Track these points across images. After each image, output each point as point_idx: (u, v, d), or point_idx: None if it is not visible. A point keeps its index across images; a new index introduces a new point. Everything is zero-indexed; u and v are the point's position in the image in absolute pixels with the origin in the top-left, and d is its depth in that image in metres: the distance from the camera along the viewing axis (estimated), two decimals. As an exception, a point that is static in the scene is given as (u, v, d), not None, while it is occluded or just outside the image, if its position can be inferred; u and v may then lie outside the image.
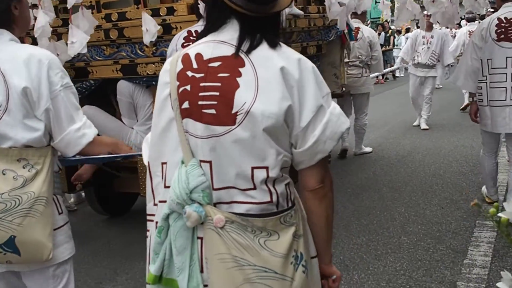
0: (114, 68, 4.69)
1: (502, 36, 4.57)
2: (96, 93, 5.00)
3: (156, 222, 1.71)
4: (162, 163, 1.72)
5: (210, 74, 1.63)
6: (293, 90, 1.60)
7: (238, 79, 1.60)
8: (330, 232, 1.80)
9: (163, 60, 4.39)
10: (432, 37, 9.13)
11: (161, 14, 4.32)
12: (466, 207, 5.36)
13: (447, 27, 9.36)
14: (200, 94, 1.62)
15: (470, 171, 6.68)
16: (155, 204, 1.77)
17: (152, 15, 4.19)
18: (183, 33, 3.84)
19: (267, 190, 1.63)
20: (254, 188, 1.62)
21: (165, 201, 1.67)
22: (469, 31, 10.26)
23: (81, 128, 2.32)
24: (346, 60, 7.14)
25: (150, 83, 4.63)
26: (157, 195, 1.76)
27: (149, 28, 3.63)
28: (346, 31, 6.28)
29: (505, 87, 4.58)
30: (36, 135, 2.24)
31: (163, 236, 1.67)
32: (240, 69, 1.61)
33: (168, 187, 1.67)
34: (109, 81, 4.85)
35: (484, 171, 5.21)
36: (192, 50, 1.69)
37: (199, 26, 3.72)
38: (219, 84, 1.61)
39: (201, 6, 3.87)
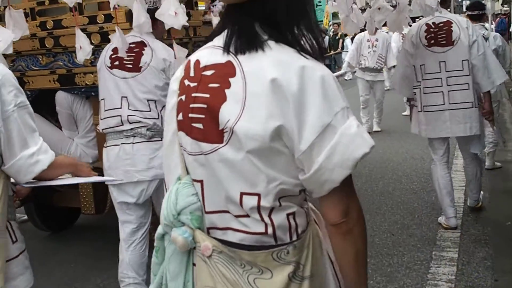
0: (51, 78, 4.48)
1: (433, 41, 4.59)
2: (38, 101, 4.76)
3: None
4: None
5: (202, 83, 1.43)
6: (287, 106, 1.31)
7: (226, 91, 1.37)
8: (361, 275, 1.47)
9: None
10: (377, 40, 9.13)
11: (98, 21, 4.15)
12: (419, 233, 4.83)
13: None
14: (191, 105, 1.44)
15: (422, 188, 6.15)
16: None
17: (89, 23, 4.02)
18: (111, 45, 3.65)
19: (260, 220, 1.39)
20: (247, 215, 1.40)
21: None
22: (402, 34, 10.39)
23: (35, 154, 2.09)
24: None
25: (89, 94, 4.44)
26: None
27: (83, 46, 3.46)
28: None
29: (442, 91, 4.55)
30: None
31: (160, 257, 1.53)
32: (230, 79, 1.37)
33: None
34: (47, 92, 4.62)
35: (437, 185, 4.81)
36: (195, 55, 1.50)
37: (130, 36, 3.57)
38: (207, 95, 1.40)
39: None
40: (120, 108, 3.48)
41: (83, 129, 4.64)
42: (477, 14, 6.16)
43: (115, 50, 3.58)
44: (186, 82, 1.47)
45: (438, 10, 4.67)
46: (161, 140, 3.39)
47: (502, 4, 28.09)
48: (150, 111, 3.47)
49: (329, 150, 1.32)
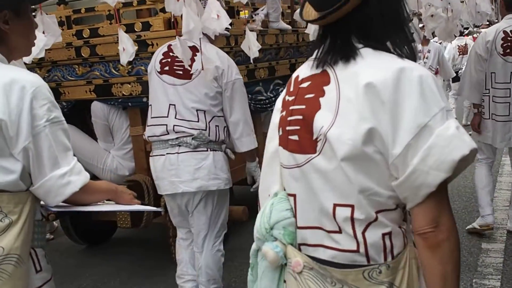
0: (88, 89, 4.34)
1: (508, 50, 4.43)
2: (73, 111, 4.64)
3: None
4: (269, 195, 1.56)
5: (299, 96, 1.47)
6: (381, 109, 1.28)
7: (321, 99, 1.39)
8: None
9: (139, 80, 4.08)
10: (429, 51, 8.80)
11: (136, 30, 4.00)
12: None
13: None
14: (289, 118, 1.48)
15: (463, 208, 5.62)
16: None
17: (126, 31, 3.86)
18: (163, 48, 3.50)
19: (353, 236, 1.36)
20: (340, 231, 1.38)
21: None
22: (458, 45, 10.09)
23: (66, 174, 1.90)
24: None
25: (126, 105, 4.29)
26: None
27: (126, 47, 3.29)
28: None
29: (509, 102, 4.48)
30: (11, 178, 1.82)
31: (255, 275, 1.54)
32: (325, 88, 1.40)
33: None
34: (83, 102, 4.49)
35: (480, 183, 4.73)
36: (297, 71, 1.56)
37: None
38: (303, 106, 1.44)
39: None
40: (167, 116, 3.33)
41: (120, 141, 4.48)
42: None
43: (165, 54, 3.41)
44: (287, 98, 1.52)
45: (492, 16, 4.60)
46: (207, 151, 3.34)
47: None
48: (198, 121, 3.30)
49: (424, 152, 1.27)
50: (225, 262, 3.86)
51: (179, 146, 3.33)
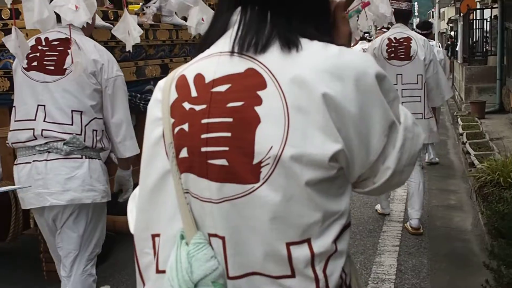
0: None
1: (392, 55, 4.93)
2: None
3: None
4: (153, 236, 1.21)
5: (215, 104, 1.11)
6: (346, 121, 1.08)
7: (257, 109, 1.08)
8: None
9: (6, 74, 3.62)
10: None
11: (3, 17, 3.51)
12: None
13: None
14: (203, 136, 1.12)
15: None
16: None
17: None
18: (30, 41, 3.03)
19: (313, 277, 1.11)
20: (293, 275, 1.11)
21: None
22: (362, 48, 10.28)
23: None
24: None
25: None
26: (147, 280, 1.24)
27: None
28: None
29: None
30: None
31: None
32: (260, 93, 1.08)
33: (162, 271, 1.16)
34: None
35: None
36: (191, 69, 1.19)
37: (53, 32, 2.93)
38: (230, 119, 1.10)
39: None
40: (35, 119, 2.88)
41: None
42: (425, 33, 7.44)
43: (34, 48, 2.92)
44: (186, 105, 1.15)
45: (391, 21, 5.03)
46: (81, 158, 2.91)
47: (447, 23, 28.86)
48: (72, 124, 2.87)
49: (398, 153, 1.16)
50: (108, 278, 3.53)
51: (48, 152, 2.88)
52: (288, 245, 1.10)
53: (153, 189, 1.20)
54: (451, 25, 26.98)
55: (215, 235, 1.14)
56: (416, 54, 4.86)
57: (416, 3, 69.68)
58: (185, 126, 1.15)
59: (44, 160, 2.89)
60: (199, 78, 1.16)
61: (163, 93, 1.21)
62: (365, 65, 1.13)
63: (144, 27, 4.54)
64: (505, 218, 3.68)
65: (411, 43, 4.92)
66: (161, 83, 1.25)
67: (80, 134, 2.90)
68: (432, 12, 39.39)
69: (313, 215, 1.10)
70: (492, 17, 14.00)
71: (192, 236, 1.14)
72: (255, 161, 1.08)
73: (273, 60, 1.11)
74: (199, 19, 3.51)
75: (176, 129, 1.16)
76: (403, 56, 4.89)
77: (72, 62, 2.76)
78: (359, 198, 5.89)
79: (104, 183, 3.04)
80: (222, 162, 1.10)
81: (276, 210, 1.09)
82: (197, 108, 1.14)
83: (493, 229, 3.95)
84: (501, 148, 7.08)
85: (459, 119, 10.24)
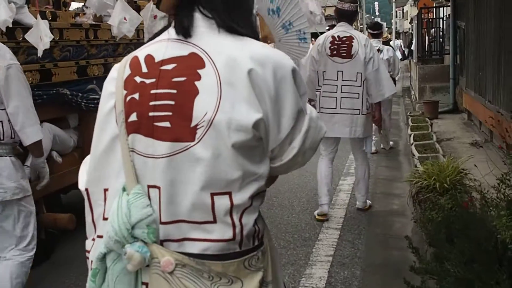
0: None
1: (335, 52, 5.17)
2: None
3: (92, 262, 1.42)
4: (105, 190, 1.42)
5: (163, 78, 1.36)
6: (266, 99, 1.35)
7: (197, 83, 1.33)
8: None
9: None
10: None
11: None
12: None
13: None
14: (151, 103, 1.36)
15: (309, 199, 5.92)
16: (93, 239, 1.46)
17: None
18: None
19: (230, 224, 1.34)
20: (214, 221, 1.34)
21: (102, 237, 1.38)
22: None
23: None
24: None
25: None
26: (98, 228, 1.45)
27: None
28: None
29: (336, 97, 5.15)
30: None
31: (99, 281, 1.37)
32: (200, 71, 1.34)
33: (107, 219, 1.37)
34: None
35: (320, 175, 5.32)
36: (142, 51, 1.44)
37: None
38: (174, 91, 1.34)
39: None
40: None
41: None
42: (376, 32, 8.42)
43: None
44: (138, 79, 1.40)
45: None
46: None
47: (410, 23, 29.20)
48: None
49: (303, 136, 1.41)
50: (51, 277, 3.64)
51: None
52: (213, 195, 1.32)
53: (104, 150, 1.42)
54: (413, 24, 27.30)
55: (154, 186, 1.35)
56: (357, 53, 5.10)
57: (376, 3, 70.36)
58: (136, 96, 1.38)
59: None
60: (149, 58, 1.41)
61: (118, 71, 1.44)
62: (283, 60, 1.40)
63: (84, 26, 4.57)
64: (437, 227, 3.30)
65: (353, 42, 5.15)
66: (116, 65, 1.49)
67: None
68: (396, 12, 39.87)
69: (235, 172, 1.33)
70: (447, 16, 13.92)
71: (132, 188, 1.34)
72: (193, 124, 1.31)
73: (211, 44, 1.37)
74: (121, 18, 3.54)
75: (128, 98, 1.39)
76: (344, 54, 5.13)
77: None
78: (299, 204, 5.82)
79: (18, 179, 3.08)
80: (166, 124, 1.33)
81: (206, 165, 1.31)
82: (147, 81, 1.38)
83: (427, 238, 3.58)
84: (451, 150, 6.91)
85: (409, 120, 10.14)
